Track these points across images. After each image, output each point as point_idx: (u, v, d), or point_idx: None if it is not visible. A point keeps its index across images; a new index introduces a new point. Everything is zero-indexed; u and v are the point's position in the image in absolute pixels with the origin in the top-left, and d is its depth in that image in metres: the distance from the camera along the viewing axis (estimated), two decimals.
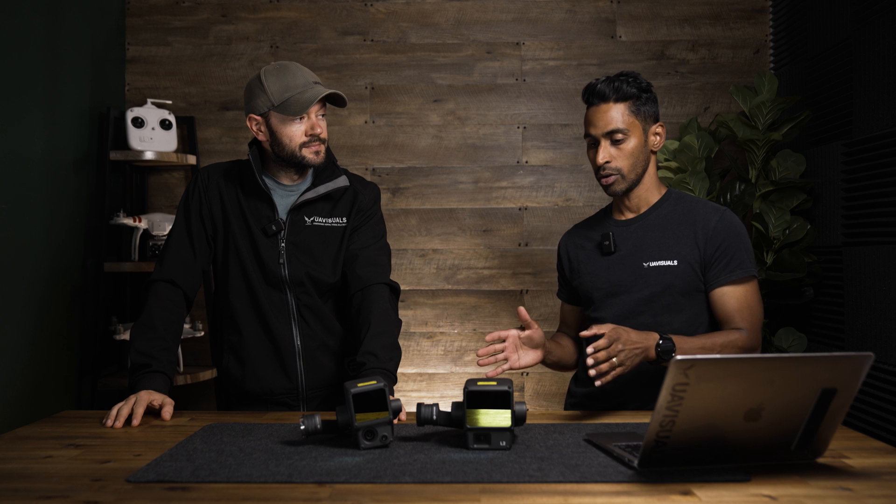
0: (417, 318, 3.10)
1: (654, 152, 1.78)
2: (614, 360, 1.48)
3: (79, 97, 2.74)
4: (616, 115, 1.70)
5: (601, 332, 1.48)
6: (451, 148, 3.12)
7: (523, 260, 3.09)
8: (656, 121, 1.76)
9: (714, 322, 1.76)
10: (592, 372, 1.47)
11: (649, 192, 1.79)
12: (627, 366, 1.51)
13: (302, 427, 1.32)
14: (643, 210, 1.80)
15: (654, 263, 1.73)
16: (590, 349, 1.47)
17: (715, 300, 1.71)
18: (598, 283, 1.79)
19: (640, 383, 1.74)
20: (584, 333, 1.49)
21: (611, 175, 1.72)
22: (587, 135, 1.75)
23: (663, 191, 1.81)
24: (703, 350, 1.61)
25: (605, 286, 1.78)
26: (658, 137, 1.77)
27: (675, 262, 1.71)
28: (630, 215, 1.81)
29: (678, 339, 1.59)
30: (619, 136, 1.70)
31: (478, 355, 1.59)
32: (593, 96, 1.73)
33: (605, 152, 1.71)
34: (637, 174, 1.74)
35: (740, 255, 1.70)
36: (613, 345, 1.48)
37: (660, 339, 1.55)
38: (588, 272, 1.83)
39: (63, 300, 2.61)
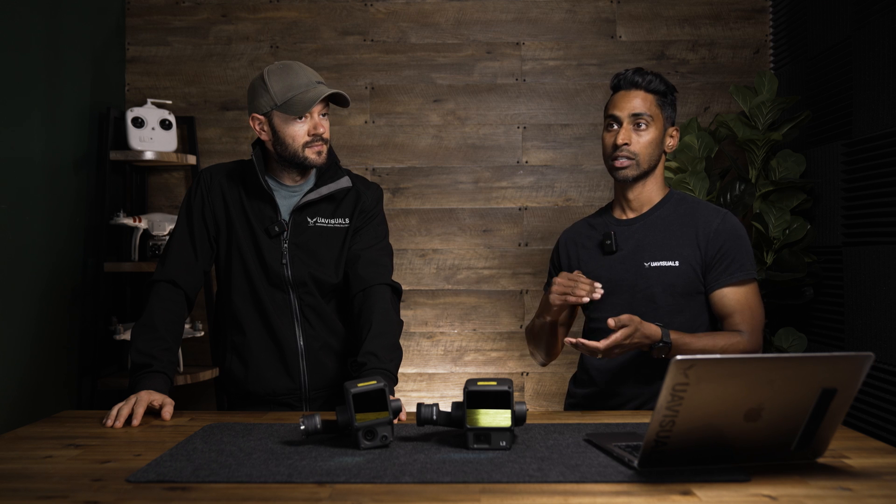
0: (417, 318, 3.10)
1: (665, 154, 1.80)
2: (616, 350, 1.58)
3: (79, 97, 2.74)
4: (644, 102, 1.74)
5: (620, 324, 1.56)
6: (451, 148, 3.12)
7: (523, 260, 3.09)
8: (672, 124, 1.80)
9: (714, 324, 1.77)
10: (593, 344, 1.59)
11: (653, 192, 1.80)
12: (624, 353, 1.62)
13: (302, 427, 1.32)
14: (645, 210, 1.80)
15: (655, 263, 1.73)
16: (604, 345, 1.55)
17: (715, 301, 1.72)
18: (599, 283, 1.79)
19: (639, 382, 1.74)
20: (611, 322, 1.56)
21: (626, 158, 1.73)
22: (609, 116, 1.76)
23: (665, 192, 1.82)
24: (703, 352, 1.61)
25: (605, 285, 1.78)
26: (672, 140, 1.80)
27: (677, 263, 1.71)
28: (631, 214, 1.82)
29: (681, 337, 1.61)
30: (643, 121, 1.72)
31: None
32: (624, 81, 1.77)
33: (627, 134, 1.73)
34: (650, 166, 1.76)
35: (741, 258, 1.70)
36: (629, 339, 1.56)
37: (660, 342, 1.59)
38: (589, 271, 1.83)
39: (63, 300, 2.61)
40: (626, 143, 1.72)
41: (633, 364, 1.75)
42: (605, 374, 1.78)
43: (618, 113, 1.74)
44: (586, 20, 3.11)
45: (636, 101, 1.73)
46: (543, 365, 1.94)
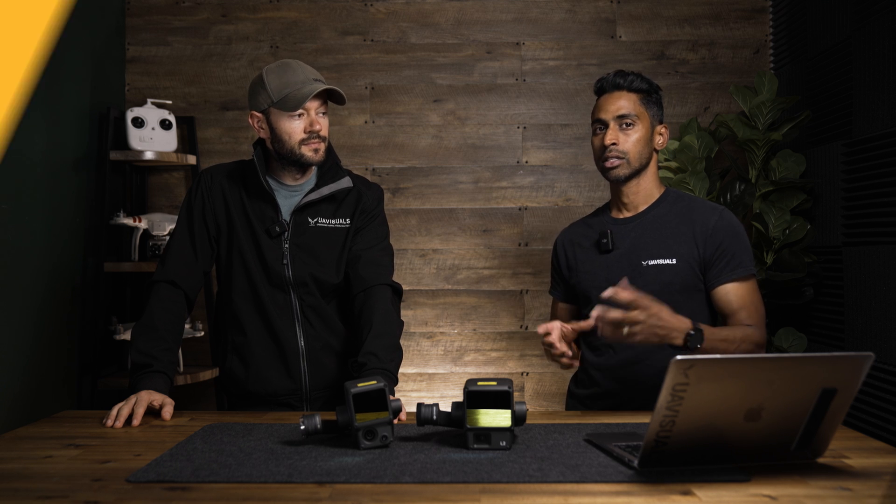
0: (417, 318, 3.10)
1: (656, 151, 1.80)
2: (626, 328, 1.44)
3: (79, 97, 2.74)
4: (628, 102, 1.75)
5: (630, 297, 1.43)
6: (451, 148, 3.12)
7: (523, 260, 3.09)
8: (660, 122, 1.80)
9: (713, 321, 1.77)
10: (592, 322, 1.49)
11: (648, 191, 1.80)
12: (639, 341, 1.46)
13: (302, 427, 1.32)
14: (641, 209, 1.81)
15: (652, 262, 1.73)
16: (608, 312, 1.44)
17: (718, 298, 1.72)
18: (597, 282, 1.79)
19: (640, 382, 1.74)
20: (609, 293, 1.44)
21: (616, 158, 1.74)
22: (596, 121, 1.78)
23: (661, 190, 1.82)
24: (724, 342, 1.57)
25: (603, 284, 1.78)
26: (662, 137, 1.81)
27: (675, 261, 1.72)
28: (628, 213, 1.82)
29: (706, 330, 1.53)
30: (629, 121, 1.74)
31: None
32: (607, 84, 1.78)
33: (614, 134, 1.74)
34: (641, 164, 1.76)
35: (741, 254, 1.71)
36: (636, 312, 1.43)
37: (691, 330, 1.50)
38: (586, 270, 1.83)
39: (63, 300, 2.61)
40: (614, 143, 1.73)
41: (634, 364, 1.75)
42: (605, 374, 1.78)
43: (603, 116, 1.76)
44: (586, 20, 3.11)
45: (621, 102, 1.75)
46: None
